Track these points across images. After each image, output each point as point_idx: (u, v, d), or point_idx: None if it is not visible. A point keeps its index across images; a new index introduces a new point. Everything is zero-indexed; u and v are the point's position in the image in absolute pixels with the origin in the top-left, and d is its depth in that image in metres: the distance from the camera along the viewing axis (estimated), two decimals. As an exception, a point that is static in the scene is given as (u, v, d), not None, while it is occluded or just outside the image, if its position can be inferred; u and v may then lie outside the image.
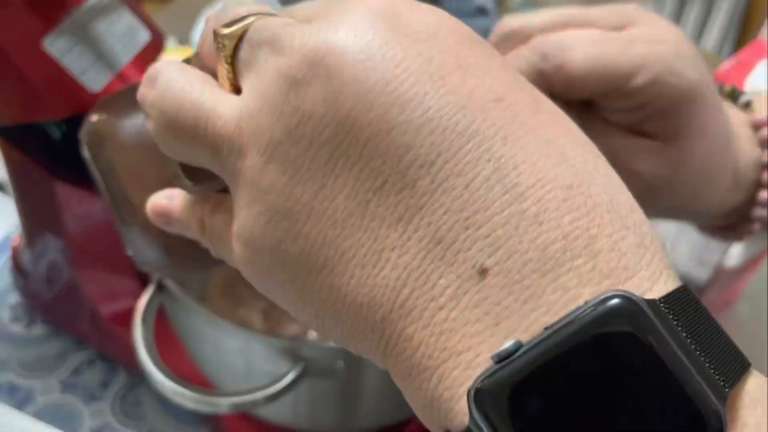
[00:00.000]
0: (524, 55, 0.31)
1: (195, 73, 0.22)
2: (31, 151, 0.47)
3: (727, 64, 0.53)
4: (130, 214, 0.27)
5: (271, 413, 0.46)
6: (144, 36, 0.45)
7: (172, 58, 0.26)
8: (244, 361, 0.41)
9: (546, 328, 0.16)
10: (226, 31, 0.21)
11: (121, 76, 0.44)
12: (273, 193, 0.19)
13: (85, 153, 0.29)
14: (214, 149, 0.21)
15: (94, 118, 0.29)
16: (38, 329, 0.56)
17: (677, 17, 1.46)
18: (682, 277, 0.54)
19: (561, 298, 0.16)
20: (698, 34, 1.47)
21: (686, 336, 0.16)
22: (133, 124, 0.28)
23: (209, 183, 0.24)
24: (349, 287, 0.19)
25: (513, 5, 0.81)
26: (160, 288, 0.41)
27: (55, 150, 0.47)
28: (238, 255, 0.21)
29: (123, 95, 0.30)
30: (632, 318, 0.16)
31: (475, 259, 0.17)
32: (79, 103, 0.42)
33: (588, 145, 0.19)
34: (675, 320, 0.16)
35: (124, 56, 0.44)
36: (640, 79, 0.30)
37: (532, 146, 0.18)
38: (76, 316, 0.53)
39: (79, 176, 0.47)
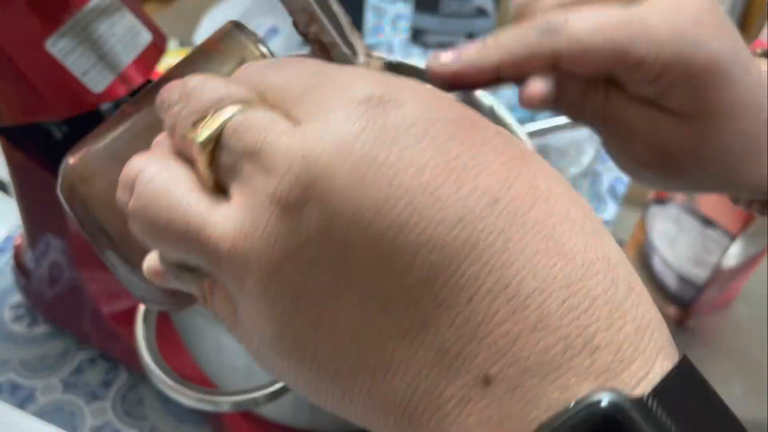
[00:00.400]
0: (529, 32, 0.30)
1: (177, 174, 0.21)
2: (32, 151, 0.47)
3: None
4: (136, 258, 0.26)
5: (271, 412, 0.46)
6: (146, 37, 0.46)
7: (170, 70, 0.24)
8: (244, 359, 0.41)
9: (539, 429, 0.17)
10: (198, 138, 0.20)
11: (122, 77, 0.44)
12: (276, 313, 0.19)
13: (62, 200, 0.28)
14: (211, 260, 0.20)
15: (71, 160, 0.27)
16: (40, 329, 0.57)
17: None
18: (682, 277, 0.55)
19: (561, 396, 0.17)
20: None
21: (679, 428, 0.16)
22: (97, 158, 0.26)
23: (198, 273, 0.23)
24: (361, 395, 0.19)
25: (513, 4, 0.81)
26: (162, 288, 0.41)
27: (57, 150, 0.47)
28: (252, 351, 0.21)
29: (95, 134, 0.28)
30: (618, 422, 0.16)
31: (480, 369, 0.17)
32: (81, 103, 0.43)
33: (586, 220, 0.19)
34: (666, 412, 0.16)
35: (126, 57, 0.44)
36: (648, 50, 0.29)
37: (532, 247, 0.18)
38: (78, 316, 0.53)
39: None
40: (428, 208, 0.17)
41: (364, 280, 0.18)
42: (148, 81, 0.46)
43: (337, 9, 0.37)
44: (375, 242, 0.18)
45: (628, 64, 0.30)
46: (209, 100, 0.21)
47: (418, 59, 0.94)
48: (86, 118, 0.45)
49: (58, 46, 0.41)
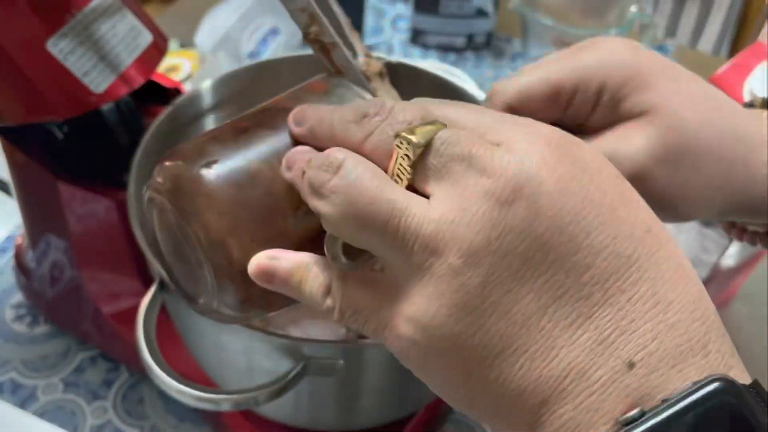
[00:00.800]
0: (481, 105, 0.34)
1: (377, 169, 0.25)
2: (34, 151, 0.48)
3: (725, 67, 0.54)
4: (222, 265, 0.27)
5: (271, 411, 0.46)
6: (146, 38, 0.46)
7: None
8: (245, 359, 0.41)
9: (664, 400, 0.21)
10: (414, 138, 0.24)
11: (123, 78, 0.44)
12: (463, 291, 0.22)
13: (160, 199, 0.29)
14: (403, 243, 0.23)
15: (168, 163, 0.28)
16: (41, 328, 0.57)
17: (676, 17, 1.47)
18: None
19: (682, 383, 0.21)
20: (698, 34, 1.47)
21: None
22: (224, 177, 0.27)
23: (360, 260, 0.26)
24: (517, 376, 0.22)
25: (513, 5, 0.81)
26: (162, 287, 0.42)
27: (58, 150, 0.48)
28: (406, 335, 0.24)
29: (193, 145, 0.29)
30: (731, 393, 0.21)
31: (627, 356, 0.21)
32: (82, 104, 0.43)
33: (694, 270, 0.24)
34: (763, 400, 0.21)
35: (127, 58, 0.44)
36: (579, 81, 0.32)
37: (672, 269, 0.23)
38: (79, 316, 0.54)
39: (82, 176, 0.47)
40: (610, 222, 0.22)
41: (549, 271, 0.22)
42: (149, 81, 0.46)
43: (337, 10, 0.37)
44: (568, 241, 0.22)
45: (565, 96, 0.33)
46: (412, 116, 0.25)
47: (417, 60, 0.94)
48: (87, 119, 0.45)
49: (59, 47, 0.41)
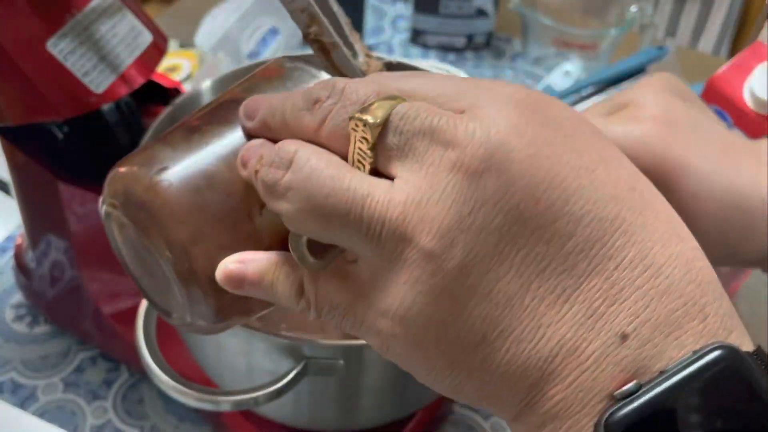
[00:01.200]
0: None
1: (333, 157, 0.23)
2: (34, 151, 0.48)
3: (725, 67, 0.54)
4: (189, 275, 0.26)
5: (271, 411, 0.46)
6: (146, 38, 0.46)
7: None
8: (245, 359, 0.41)
9: (661, 372, 0.20)
10: (370, 119, 0.22)
11: (123, 78, 0.44)
12: (439, 276, 0.21)
13: (117, 214, 0.27)
14: (369, 232, 0.22)
15: (120, 172, 0.26)
16: (41, 328, 0.57)
17: (676, 17, 1.47)
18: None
19: (679, 352, 0.20)
20: (698, 34, 1.47)
21: None
22: (179, 182, 0.25)
23: (328, 258, 0.24)
24: (504, 359, 0.21)
25: (513, 5, 0.81)
26: (162, 287, 0.42)
27: (58, 150, 0.48)
28: (384, 329, 0.22)
29: (144, 152, 0.27)
30: (734, 361, 0.19)
31: (619, 327, 0.20)
32: (82, 104, 0.43)
33: (686, 227, 0.22)
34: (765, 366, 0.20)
35: (127, 58, 0.44)
36: None
37: (661, 229, 0.21)
38: (79, 315, 0.54)
39: (82, 176, 0.47)
40: (589, 185, 0.21)
41: (528, 244, 0.20)
42: (149, 81, 0.46)
43: (337, 10, 0.37)
44: (545, 210, 0.20)
45: None
46: (365, 94, 0.23)
47: (417, 60, 0.94)
48: (87, 119, 0.45)
49: (59, 47, 0.41)
